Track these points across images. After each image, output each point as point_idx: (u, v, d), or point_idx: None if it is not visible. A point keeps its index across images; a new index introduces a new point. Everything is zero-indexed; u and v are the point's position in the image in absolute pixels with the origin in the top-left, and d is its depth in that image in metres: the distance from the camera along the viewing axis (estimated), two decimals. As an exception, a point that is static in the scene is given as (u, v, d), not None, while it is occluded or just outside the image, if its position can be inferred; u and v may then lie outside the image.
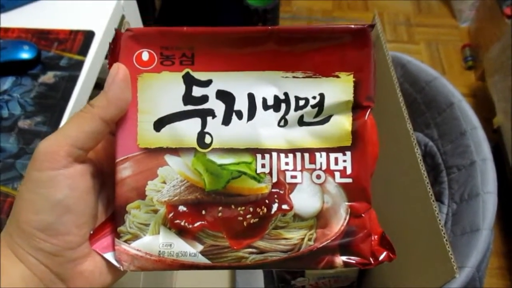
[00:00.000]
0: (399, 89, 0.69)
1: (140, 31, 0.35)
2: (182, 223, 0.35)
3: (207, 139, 0.35)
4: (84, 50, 0.73)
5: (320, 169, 0.36)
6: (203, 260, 0.35)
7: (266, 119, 0.35)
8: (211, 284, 1.00)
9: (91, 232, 0.35)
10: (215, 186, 0.35)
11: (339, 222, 0.36)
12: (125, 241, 0.35)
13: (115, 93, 0.34)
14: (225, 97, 0.35)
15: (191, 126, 0.35)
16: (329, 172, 0.36)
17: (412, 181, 0.64)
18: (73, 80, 0.69)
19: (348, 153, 0.36)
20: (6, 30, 0.75)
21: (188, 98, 0.35)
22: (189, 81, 0.35)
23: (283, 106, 0.36)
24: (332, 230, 0.36)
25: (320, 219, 0.36)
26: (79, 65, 0.71)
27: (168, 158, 0.35)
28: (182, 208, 0.35)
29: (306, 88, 0.35)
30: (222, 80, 0.35)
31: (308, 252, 0.36)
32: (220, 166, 0.35)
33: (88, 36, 0.75)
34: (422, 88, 0.96)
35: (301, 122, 0.36)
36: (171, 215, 0.35)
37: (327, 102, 0.35)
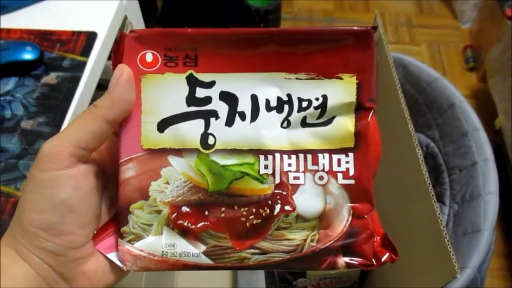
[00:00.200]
0: (401, 90, 0.69)
1: (144, 33, 0.35)
2: (185, 224, 0.35)
3: (211, 140, 0.35)
4: (86, 51, 0.73)
5: (323, 170, 0.36)
6: (206, 260, 0.35)
7: (269, 120, 0.36)
8: (213, 285, 1.00)
9: (95, 232, 0.35)
10: (218, 186, 0.35)
11: (341, 223, 0.36)
12: (128, 241, 0.36)
13: (119, 94, 0.34)
14: (229, 98, 0.35)
15: (195, 127, 0.35)
16: (332, 173, 0.36)
17: (414, 182, 0.64)
18: (75, 81, 0.70)
19: (351, 155, 0.36)
20: (9, 31, 0.76)
21: (191, 99, 0.35)
22: (193, 82, 0.35)
23: (286, 107, 0.36)
24: (335, 231, 0.36)
25: (323, 220, 0.36)
26: (81, 66, 0.71)
27: (172, 159, 0.36)
28: (185, 208, 0.36)
29: (309, 89, 0.35)
30: (226, 82, 0.35)
31: (310, 253, 0.36)
32: (223, 167, 0.35)
33: (91, 37, 0.75)
34: (424, 89, 0.96)
35: (304, 123, 0.36)
36: (174, 215, 0.36)
37: (330, 103, 0.36)
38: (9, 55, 0.69)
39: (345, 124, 0.36)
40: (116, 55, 0.35)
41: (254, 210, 0.36)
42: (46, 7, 0.80)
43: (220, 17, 1.60)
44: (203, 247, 0.35)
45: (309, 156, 0.36)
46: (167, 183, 0.36)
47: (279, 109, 0.36)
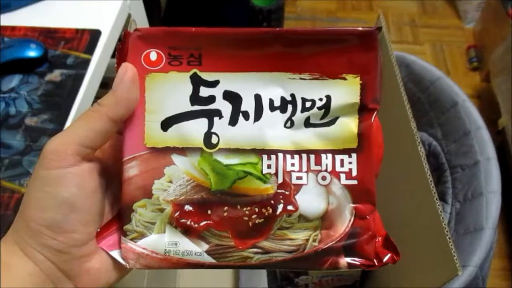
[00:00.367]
0: (403, 89, 0.69)
1: (148, 31, 0.35)
2: (188, 222, 0.36)
3: (214, 139, 0.36)
4: (90, 49, 0.73)
5: (326, 170, 0.36)
6: (208, 259, 0.36)
7: (273, 120, 0.36)
8: (215, 284, 1.00)
9: (98, 230, 0.35)
10: (221, 186, 0.36)
11: (343, 224, 0.36)
12: (131, 239, 0.36)
13: (123, 92, 0.34)
14: (232, 97, 0.36)
15: (198, 126, 0.36)
16: (335, 173, 0.36)
17: (416, 180, 0.64)
18: (79, 79, 0.70)
19: (354, 155, 0.36)
20: (13, 28, 0.76)
21: (195, 98, 0.36)
22: (197, 82, 0.35)
23: (290, 107, 0.36)
24: (337, 231, 0.36)
25: (325, 220, 0.36)
26: (85, 63, 0.71)
27: (175, 158, 0.36)
28: (188, 207, 0.36)
29: (313, 89, 0.36)
30: (229, 81, 0.35)
31: (312, 252, 0.36)
32: (226, 166, 0.35)
33: (95, 35, 0.75)
34: (427, 88, 0.96)
35: (307, 123, 0.36)
36: (177, 214, 0.36)
37: (334, 104, 0.36)
38: (14, 52, 0.69)
39: (349, 124, 0.36)
40: (121, 53, 0.35)
41: (256, 209, 0.36)
42: (50, 5, 0.80)
43: (223, 16, 1.60)
44: (205, 246, 0.36)
45: (312, 156, 0.36)
46: (170, 181, 0.36)
47: (283, 109, 0.36)
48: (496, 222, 0.76)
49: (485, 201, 0.79)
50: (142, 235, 0.36)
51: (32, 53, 0.70)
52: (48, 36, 0.75)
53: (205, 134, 0.36)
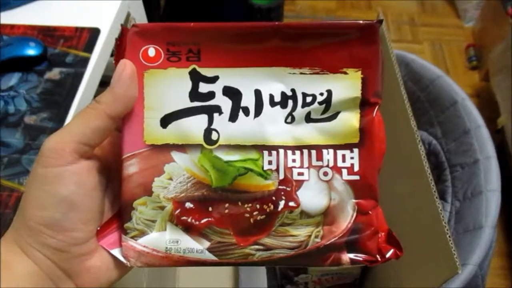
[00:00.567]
0: (403, 87, 0.69)
1: (146, 27, 0.35)
2: (189, 220, 0.35)
3: (214, 136, 0.35)
4: (89, 47, 0.73)
5: (327, 166, 0.36)
6: (210, 256, 0.35)
7: (273, 115, 0.35)
8: (215, 282, 1.00)
9: (98, 228, 0.35)
10: (221, 182, 0.35)
11: (346, 219, 0.36)
12: (132, 237, 0.35)
13: (122, 89, 0.34)
14: (232, 93, 0.35)
15: (198, 123, 0.35)
16: (336, 169, 0.36)
17: (416, 179, 0.64)
18: (78, 77, 0.70)
19: (356, 150, 0.36)
20: (12, 26, 0.76)
21: (194, 94, 0.35)
22: (196, 77, 0.35)
23: (290, 102, 0.35)
24: (339, 227, 0.36)
25: (327, 216, 0.36)
26: (84, 62, 0.71)
27: (175, 155, 0.35)
28: (188, 204, 0.35)
29: (314, 84, 0.35)
30: (229, 76, 0.35)
31: (315, 249, 0.36)
32: (227, 162, 0.35)
33: (94, 33, 0.75)
34: (426, 87, 0.96)
35: (308, 118, 0.36)
36: (177, 211, 0.35)
37: (335, 98, 0.35)
38: (13, 50, 0.69)
39: (350, 119, 0.36)
40: (119, 50, 0.35)
41: (258, 206, 0.35)
42: (50, 3, 0.80)
43: (222, 15, 1.60)
44: (207, 243, 0.35)
45: (314, 152, 0.36)
46: (170, 179, 0.36)
47: (283, 104, 0.35)
48: (495, 221, 0.76)
49: (484, 199, 0.79)
50: (142, 233, 0.36)
51: (31, 51, 0.70)
52: (47, 34, 0.75)
53: (205, 130, 0.35)
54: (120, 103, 0.34)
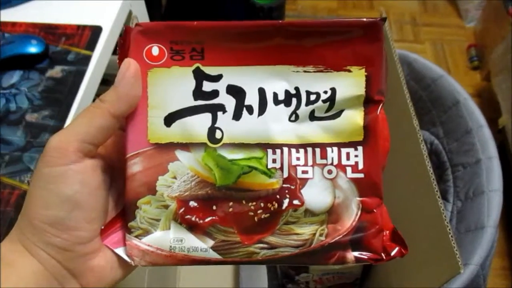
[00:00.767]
0: (406, 87, 0.69)
1: (149, 26, 0.35)
2: (193, 219, 0.35)
3: (218, 134, 0.35)
4: (91, 45, 0.73)
5: (332, 164, 0.36)
6: (214, 255, 0.35)
7: (277, 114, 0.35)
8: (215, 283, 1.00)
9: (102, 227, 0.35)
10: (225, 181, 0.35)
11: (350, 218, 0.36)
12: (136, 236, 0.35)
13: (125, 88, 0.34)
14: (236, 92, 0.35)
15: (202, 121, 0.35)
16: (341, 167, 0.36)
17: (418, 178, 0.64)
18: (80, 75, 0.70)
19: (360, 148, 0.36)
20: (14, 24, 0.76)
21: (198, 93, 0.35)
22: (200, 76, 0.35)
23: (294, 101, 0.35)
24: (344, 226, 0.36)
25: (332, 214, 0.36)
26: (86, 60, 0.71)
27: (179, 153, 0.35)
28: (192, 203, 0.35)
29: (317, 82, 0.35)
30: (233, 75, 0.35)
31: (319, 247, 0.35)
32: (231, 161, 0.35)
33: (96, 31, 0.75)
34: (428, 86, 0.96)
35: (312, 117, 0.36)
36: (181, 210, 0.35)
37: (339, 96, 0.35)
38: (14, 48, 0.69)
39: (354, 117, 0.36)
40: (122, 49, 0.35)
41: (262, 204, 0.35)
42: (51, 1, 0.80)
43: (223, 14, 1.60)
44: (211, 242, 0.35)
45: (318, 150, 0.36)
46: (175, 177, 0.35)
47: (287, 102, 0.35)
48: (497, 221, 0.76)
49: (486, 199, 0.79)
50: (146, 232, 0.36)
51: (33, 49, 0.70)
52: (49, 32, 0.75)
53: (209, 129, 0.35)
54: (124, 102, 0.34)
